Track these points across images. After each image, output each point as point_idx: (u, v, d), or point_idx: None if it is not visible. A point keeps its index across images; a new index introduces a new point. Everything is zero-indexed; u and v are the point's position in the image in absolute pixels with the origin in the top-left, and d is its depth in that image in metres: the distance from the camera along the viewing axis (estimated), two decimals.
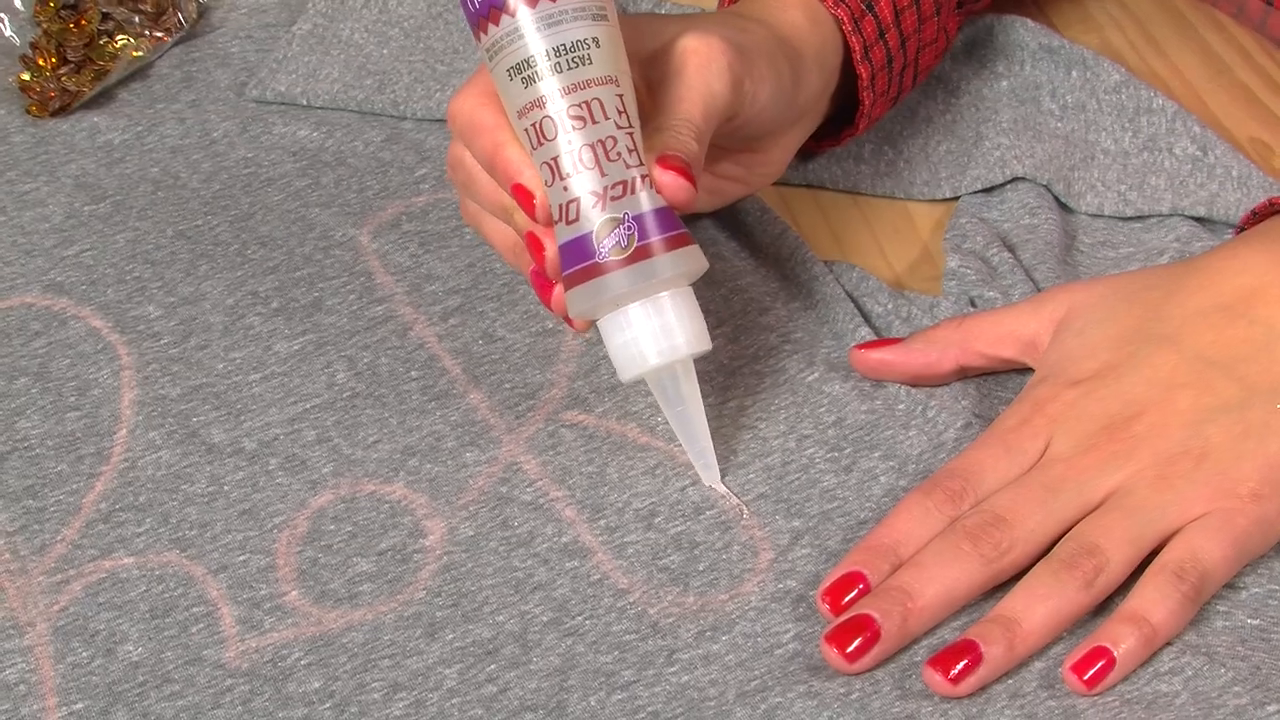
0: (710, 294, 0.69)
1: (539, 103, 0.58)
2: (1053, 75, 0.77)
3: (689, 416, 0.62)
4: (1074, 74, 0.77)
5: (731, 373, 0.66)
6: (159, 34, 0.82)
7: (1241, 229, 0.65)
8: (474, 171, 0.62)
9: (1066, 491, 0.58)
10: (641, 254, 0.58)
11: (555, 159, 0.58)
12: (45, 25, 0.81)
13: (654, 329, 0.59)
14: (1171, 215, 0.72)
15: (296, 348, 0.69)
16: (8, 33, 0.82)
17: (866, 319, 0.68)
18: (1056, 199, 0.73)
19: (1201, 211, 0.72)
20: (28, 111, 0.80)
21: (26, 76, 0.80)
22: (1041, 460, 0.59)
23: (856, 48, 0.68)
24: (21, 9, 0.83)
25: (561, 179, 0.58)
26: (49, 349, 0.69)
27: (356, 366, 0.68)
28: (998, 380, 0.66)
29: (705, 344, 0.60)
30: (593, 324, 0.61)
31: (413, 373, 0.67)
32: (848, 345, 0.67)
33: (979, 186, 0.74)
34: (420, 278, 0.71)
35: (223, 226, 0.74)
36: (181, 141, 0.79)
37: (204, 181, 0.77)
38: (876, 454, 0.63)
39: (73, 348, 0.69)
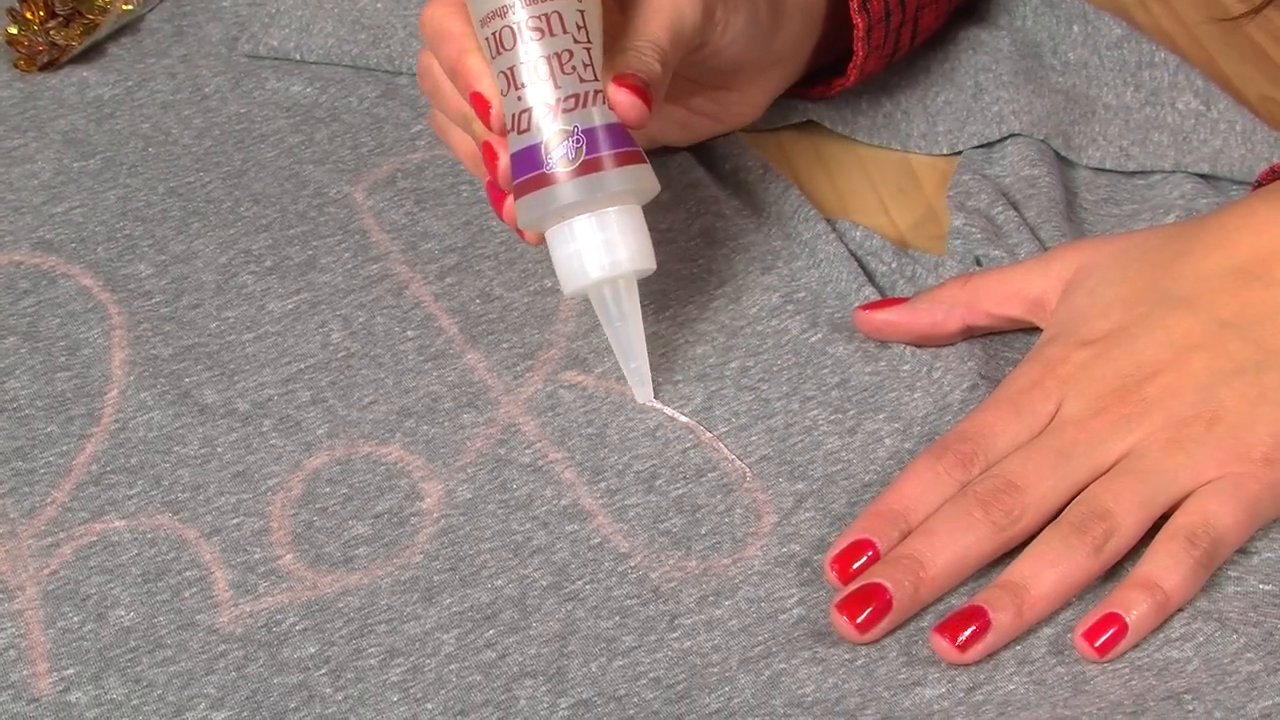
0: (712, 253, 0.68)
1: (500, 12, 0.59)
2: (1054, 31, 0.76)
3: (628, 334, 0.62)
4: (1075, 29, 0.76)
5: (733, 333, 0.65)
6: None
7: (1259, 183, 0.64)
8: (440, 80, 0.63)
9: (1078, 455, 0.57)
10: (589, 167, 0.58)
11: (512, 68, 0.59)
12: None
13: (597, 243, 0.60)
14: (1175, 172, 0.71)
15: (290, 307, 0.67)
16: None
17: (870, 278, 0.67)
18: (1056, 154, 0.72)
19: (1205, 168, 0.71)
20: (15, 66, 0.79)
21: (14, 30, 0.79)
22: (1053, 423, 0.58)
23: None
24: None
25: (517, 89, 0.59)
26: (38, 308, 0.68)
27: (351, 326, 0.67)
28: (1004, 340, 0.65)
29: (649, 262, 0.61)
30: (543, 237, 0.61)
31: (409, 332, 0.66)
32: (852, 305, 0.66)
33: (976, 143, 0.73)
34: (416, 235, 0.70)
35: (215, 183, 0.73)
36: (173, 97, 0.77)
37: (196, 138, 0.75)
38: (881, 416, 0.62)
39: (62, 306, 0.68)
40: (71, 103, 0.77)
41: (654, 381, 0.63)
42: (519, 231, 0.62)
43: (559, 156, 0.58)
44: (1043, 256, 0.64)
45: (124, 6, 0.80)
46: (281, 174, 0.73)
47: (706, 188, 0.71)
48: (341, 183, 0.72)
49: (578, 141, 0.58)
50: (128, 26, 0.81)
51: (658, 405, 0.63)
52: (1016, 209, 0.69)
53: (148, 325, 0.67)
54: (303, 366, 0.65)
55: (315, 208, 0.71)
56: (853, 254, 0.68)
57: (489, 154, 0.60)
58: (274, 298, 0.68)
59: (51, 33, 0.79)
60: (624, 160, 0.59)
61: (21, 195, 0.73)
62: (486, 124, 0.60)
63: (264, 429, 0.63)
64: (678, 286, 0.67)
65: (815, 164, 0.74)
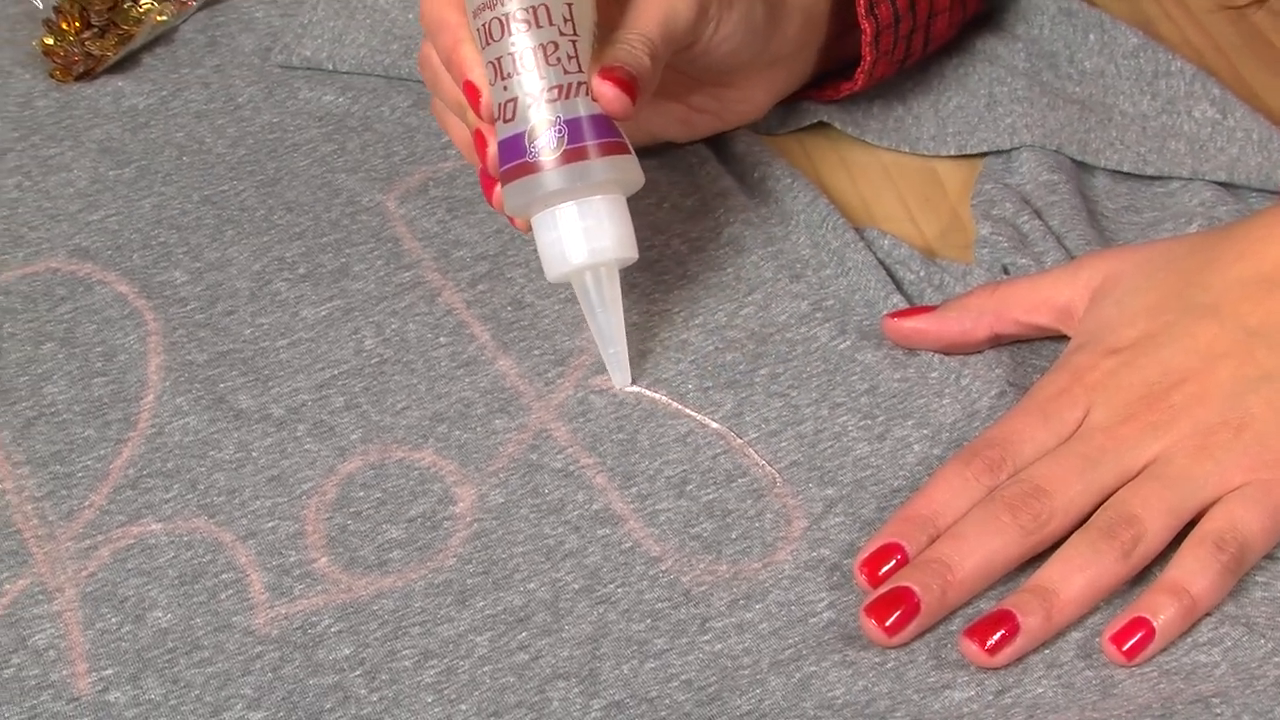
0: (740, 260, 0.69)
1: (491, 4, 0.61)
2: (1070, 39, 0.77)
3: (608, 321, 0.63)
4: (1091, 37, 0.76)
5: (763, 340, 0.66)
6: None
7: None
8: (438, 69, 0.65)
9: (1106, 462, 0.57)
10: (572, 156, 0.60)
11: (500, 59, 0.61)
12: None
13: (579, 230, 0.61)
14: (1193, 180, 0.71)
15: (324, 313, 0.68)
16: None
17: (898, 286, 0.68)
18: (1073, 162, 0.73)
19: (1222, 176, 0.71)
20: (51, 76, 0.79)
21: (50, 41, 0.80)
22: (1080, 430, 0.59)
23: (861, 2, 0.69)
24: None
25: (504, 78, 0.61)
26: (75, 314, 0.69)
27: (384, 333, 0.67)
28: (1032, 348, 0.66)
29: (631, 251, 0.62)
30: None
31: (441, 339, 0.67)
32: (880, 313, 0.66)
33: (985, 149, 0.73)
34: (448, 243, 0.71)
35: (248, 192, 0.74)
36: (206, 106, 0.78)
37: (229, 147, 0.76)
38: (910, 422, 0.63)
39: (99, 313, 0.69)
40: (107, 112, 0.78)
41: (686, 387, 0.64)
42: (510, 218, 0.64)
43: (541, 145, 0.60)
44: (1070, 265, 0.64)
45: (158, 17, 0.81)
46: (314, 182, 0.74)
47: (735, 196, 0.71)
48: (374, 191, 0.73)
49: (559, 131, 0.60)
50: (162, 37, 0.81)
51: (636, 389, 0.64)
52: (1040, 217, 0.70)
53: (183, 331, 0.68)
54: (336, 372, 0.66)
55: (348, 216, 0.72)
56: (881, 262, 0.68)
57: (479, 141, 0.62)
58: (307, 304, 0.69)
59: (87, 43, 0.79)
60: (607, 150, 0.61)
61: (58, 203, 0.73)
62: (477, 112, 0.62)
63: (298, 434, 0.64)
64: (707, 294, 0.68)
65: (840, 171, 0.74)
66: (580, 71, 0.61)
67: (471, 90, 0.61)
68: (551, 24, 0.60)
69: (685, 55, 0.65)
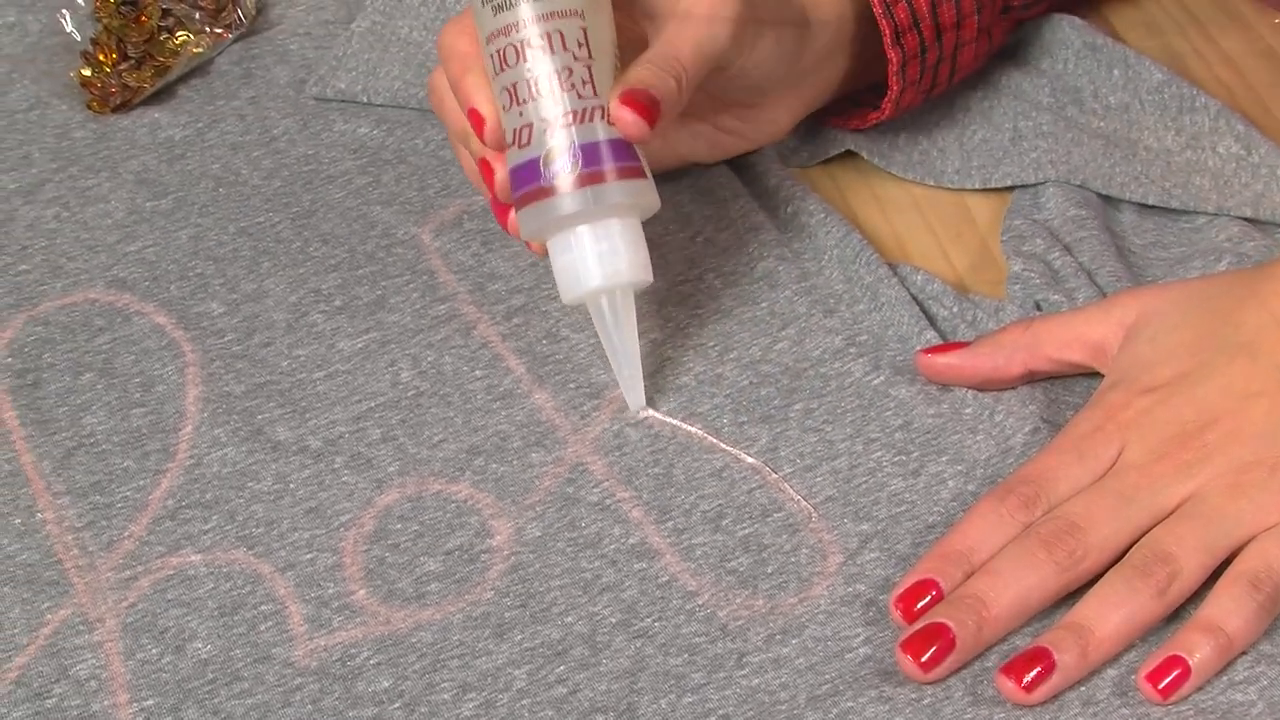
0: (774, 296, 0.69)
1: (504, 30, 0.61)
2: (1094, 75, 0.77)
3: (624, 345, 0.64)
4: (1116, 73, 0.77)
5: (797, 375, 0.66)
6: (219, 30, 0.82)
7: None
8: (444, 96, 0.66)
9: (1140, 499, 0.58)
10: (587, 180, 0.61)
11: (514, 85, 0.61)
12: (106, 21, 0.81)
13: (595, 253, 0.62)
14: (1219, 215, 0.72)
15: (360, 346, 0.69)
16: (69, 28, 0.83)
17: (932, 322, 0.68)
18: (1098, 197, 0.73)
19: (1248, 212, 0.71)
20: (89, 107, 0.80)
21: (87, 72, 0.80)
22: (1115, 467, 0.59)
23: (887, 31, 0.69)
24: (83, 5, 0.83)
25: (518, 104, 0.61)
26: (113, 345, 0.69)
27: (420, 365, 0.68)
28: (1065, 385, 0.66)
29: (646, 274, 0.63)
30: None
31: (477, 372, 0.67)
32: (913, 349, 0.67)
33: (1010, 182, 0.74)
34: (483, 277, 0.71)
35: (284, 224, 0.74)
36: (242, 138, 0.79)
37: (265, 178, 0.77)
38: (944, 458, 0.63)
39: (137, 344, 0.69)
40: (143, 143, 0.78)
41: (721, 421, 0.65)
42: (526, 243, 0.65)
43: (557, 170, 0.61)
44: (1103, 302, 0.65)
45: (194, 49, 0.81)
46: (349, 215, 0.74)
47: (768, 230, 0.72)
48: (409, 224, 0.74)
49: (574, 155, 0.60)
50: (198, 69, 0.82)
51: (650, 413, 0.65)
52: (1070, 252, 0.70)
53: (220, 363, 0.68)
54: (373, 405, 0.66)
55: (383, 248, 0.73)
56: (914, 298, 0.69)
57: (485, 169, 0.63)
58: (344, 336, 0.69)
59: (124, 75, 0.80)
60: (623, 175, 0.61)
61: (96, 234, 0.74)
62: (481, 139, 0.62)
63: (335, 466, 0.64)
64: (741, 328, 0.68)
65: (872, 205, 0.75)
66: (596, 96, 0.61)
67: (476, 118, 0.62)
68: (566, 49, 0.61)
69: (718, 79, 0.65)
